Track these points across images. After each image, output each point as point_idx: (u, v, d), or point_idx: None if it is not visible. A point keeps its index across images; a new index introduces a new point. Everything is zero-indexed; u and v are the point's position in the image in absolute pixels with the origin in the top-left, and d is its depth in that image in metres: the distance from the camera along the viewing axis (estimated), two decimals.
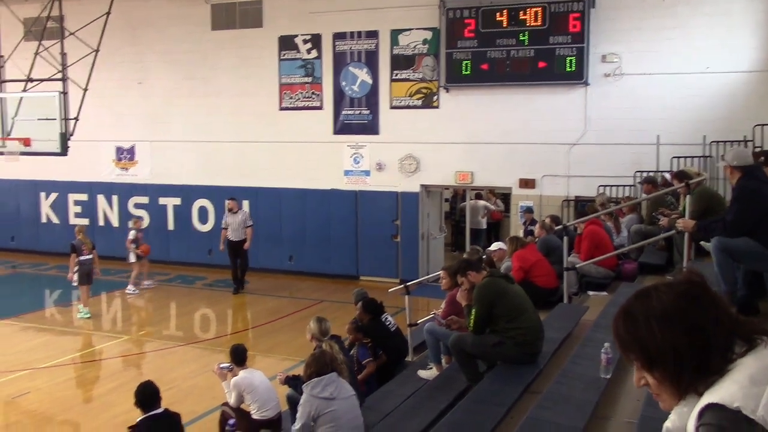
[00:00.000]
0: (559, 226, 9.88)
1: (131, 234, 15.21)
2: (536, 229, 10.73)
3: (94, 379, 10.34)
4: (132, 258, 15.11)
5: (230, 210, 14.99)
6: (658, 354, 1.83)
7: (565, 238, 9.00)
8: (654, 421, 3.02)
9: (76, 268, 13.20)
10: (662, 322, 1.84)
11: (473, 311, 6.38)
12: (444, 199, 17.95)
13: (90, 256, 13.38)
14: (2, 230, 19.85)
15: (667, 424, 1.91)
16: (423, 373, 7.65)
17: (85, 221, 18.64)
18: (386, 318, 8.39)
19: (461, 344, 6.52)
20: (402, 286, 9.70)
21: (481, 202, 17.84)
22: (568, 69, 13.99)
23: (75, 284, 13.35)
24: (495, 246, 10.02)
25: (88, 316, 13.20)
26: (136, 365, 11.15)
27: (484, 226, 18.09)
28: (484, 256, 8.91)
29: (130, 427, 5.91)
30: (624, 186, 13.62)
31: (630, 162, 13.69)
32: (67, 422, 8.92)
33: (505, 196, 17.68)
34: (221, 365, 7.44)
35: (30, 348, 11.63)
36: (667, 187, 10.47)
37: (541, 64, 14.13)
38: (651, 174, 12.52)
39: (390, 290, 10.27)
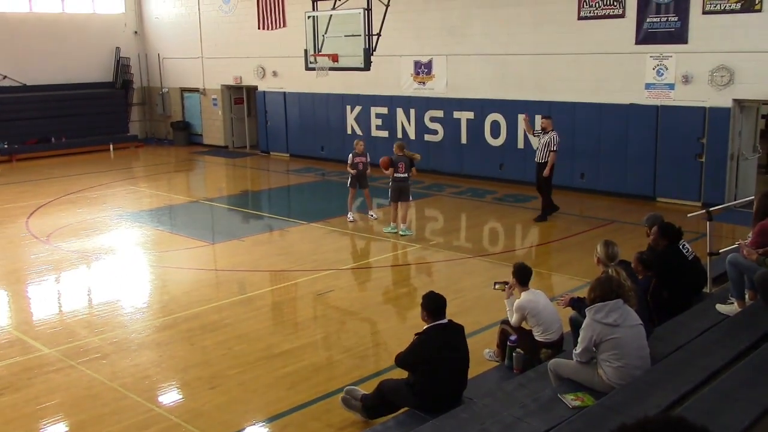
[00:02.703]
0: None
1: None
2: None
3: (389, 283, 11.02)
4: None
5: (543, 129, 13.96)
6: None
7: None
8: None
9: (390, 183, 13.31)
10: None
11: None
12: (761, 115, 16.05)
13: (405, 175, 13.12)
14: (314, 140, 21.73)
15: None
16: (722, 308, 7.04)
17: (384, 134, 19.71)
18: (684, 245, 7.79)
19: None
20: (704, 210, 8.96)
21: None
22: None
23: (389, 202, 13.47)
24: None
25: (395, 231, 13.27)
26: (427, 273, 11.67)
27: None
28: None
29: (417, 334, 6.19)
30: None
31: None
32: (365, 320, 9.64)
33: None
34: (496, 283, 7.46)
35: (335, 249, 12.72)
36: None
37: None
38: None
39: (690, 215, 9.56)
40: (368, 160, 14.10)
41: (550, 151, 13.75)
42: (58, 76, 24.82)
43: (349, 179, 14.18)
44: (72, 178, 19.99)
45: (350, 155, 14.15)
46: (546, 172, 13.79)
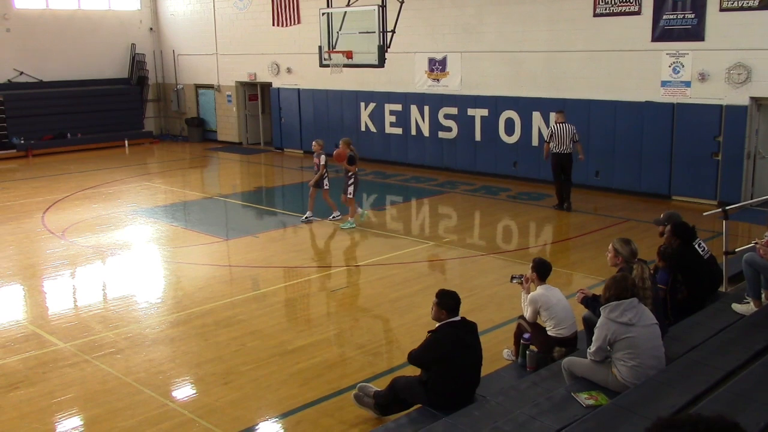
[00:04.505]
0: None
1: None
2: None
3: (402, 280, 10.98)
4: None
5: (556, 122, 14.59)
6: None
7: None
8: None
9: (351, 181, 13.46)
10: None
11: None
12: None
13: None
14: (328, 137, 21.64)
15: None
16: (738, 307, 6.99)
17: (398, 131, 19.72)
18: (699, 243, 7.74)
19: None
20: (720, 209, 8.91)
21: None
22: None
23: (350, 196, 13.52)
24: None
25: (353, 225, 13.57)
26: (441, 270, 11.66)
27: None
28: None
29: (430, 332, 6.17)
30: None
31: None
32: (378, 317, 9.64)
33: None
34: (513, 276, 7.45)
35: (348, 246, 12.73)
36: None
37: None
38: None
39: (705, 213, 9.50)
40: (321, 161, 13.89)
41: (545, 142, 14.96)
42: (74, 72, 24.98)
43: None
44: (87, 173, 20.11)
45: None
46: (544, 156, 14.98)
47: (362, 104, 20.67)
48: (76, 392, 7.33)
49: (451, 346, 5.97)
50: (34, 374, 7.72)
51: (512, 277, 7.48)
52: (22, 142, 23.24)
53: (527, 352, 7.03)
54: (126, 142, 25.12)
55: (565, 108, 15.72)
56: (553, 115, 15.18)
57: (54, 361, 8.04)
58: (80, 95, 24.75)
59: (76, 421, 6.89)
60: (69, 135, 24.40)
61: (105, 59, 25.84)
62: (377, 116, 20.37)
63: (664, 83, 15.15)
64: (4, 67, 23.71)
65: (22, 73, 24.04)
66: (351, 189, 13.54)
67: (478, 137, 18.29)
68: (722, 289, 8.08)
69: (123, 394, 7.24)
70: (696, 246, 7.60)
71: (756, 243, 7.19)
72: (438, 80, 19.00)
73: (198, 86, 26.34)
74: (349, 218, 13.69)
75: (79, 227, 14.11)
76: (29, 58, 24.10)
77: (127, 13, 26.41)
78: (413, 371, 6.43)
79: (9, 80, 23.86)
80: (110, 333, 8.84)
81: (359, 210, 13.85)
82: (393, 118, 20.02)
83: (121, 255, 12.43)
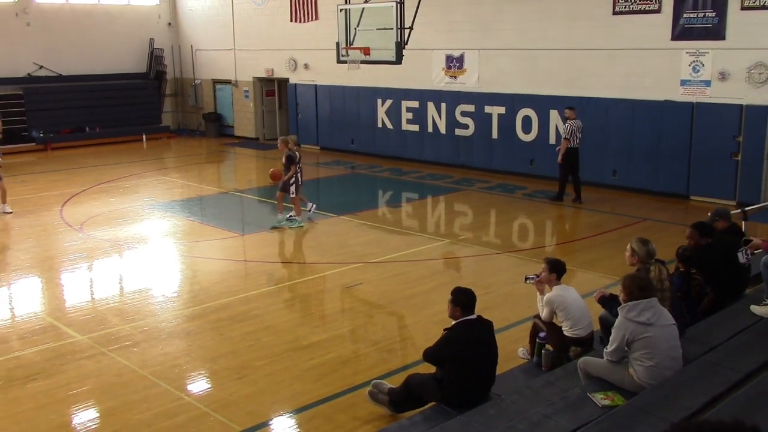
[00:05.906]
0: None
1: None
2: None
3: (417, 277, 10.96)
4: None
5: (566, 119, 14.87)
6: None
7: None
8: None
9: (292, 180, 13.34)
10: None
11: None
12: None
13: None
14: (344, 133, 21.74)
15: None
16: (757, 309, 6.92)
17: (415, 127, 19.69)
18: (744, 251, 7.56)
19: None
20: (740, 210, 8.83)
21: None
22: None
23: (293, 195, 13.42)
24: None
25: (301, 225, 13.53)
26: (456, 268, 11.63)
27: None
28: None
29: (445, 329, 6.16)
30: None
31: None
32: (393, 314, 9.63)
33: None
34: (527, 277, 7.41)
35: (363, 242, 12.72)
36: None
37: None
38: None
39: None
40: (283, 161, 13.70)
41: (563, 138, 14.81)
42: (93, 66, 25.13)
43: None
44: (105, 167, 20.23)
45: None
46: (559, 158, 14.79)
47: (379, 101, 20.65)
48: (93, 384, 7.38)
49: (466, 344, 5.95)
50: (51, 366, 7.78)
51: (526, 278, 7.43)
52: (41, 135, 23.42)
53: (543, 351, 7.00)
54: (143, 136, 25.25)
55: (583, 107, 15.66)
56: (565, 112, 15.15)
57: (71, 353, 8.10)
58: (99, 89, 24.90)
59: (92, 413, 6.94)
60: (87, 129, 24.57)
61: (123, 54, 25.98)
62: (394, 113, 20.34)
63: (683, 82, 15.02)
64: (24, 61, 23.89)
65: (41, 67, 24.21)
66: (293, 189, 13.39)
67: (495, 135, 18.22)
68: None
69: (138, 387, 7.28)
70: (740, 254, 7.41)
71: (753, 238, 7.12)
72: (455, 77, 18.94)
73: (215, 81, 26.43)
74: (297, 217, 13.58)
75: (96, 221, 14.20)
76: (48, 53, 24.28)
77: (146, 8, 26.53)
78: (428, 368, 6.42)
79: (29, 74, 24.04)
80: (127, 326, 8.89)
81: (280, 216, 13.57)
82: (410, 115, 19.98)
83: (138, 249, 12.50)
